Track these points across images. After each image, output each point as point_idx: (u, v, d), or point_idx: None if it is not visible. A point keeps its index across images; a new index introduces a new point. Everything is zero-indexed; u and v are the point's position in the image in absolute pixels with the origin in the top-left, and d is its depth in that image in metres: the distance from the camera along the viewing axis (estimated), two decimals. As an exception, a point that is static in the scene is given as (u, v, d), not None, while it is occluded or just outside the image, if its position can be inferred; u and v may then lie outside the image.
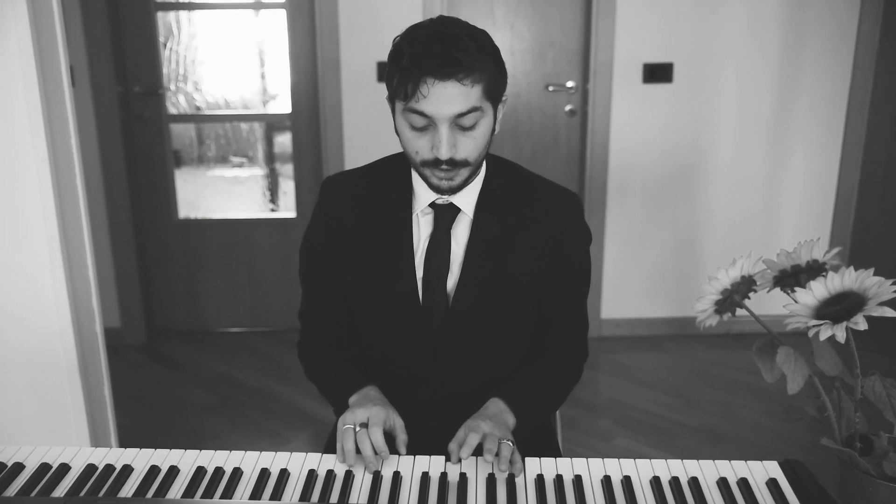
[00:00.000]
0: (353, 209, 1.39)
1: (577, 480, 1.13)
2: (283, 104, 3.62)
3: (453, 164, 1.24)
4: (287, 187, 3.73)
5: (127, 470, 1.16)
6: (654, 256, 3.64)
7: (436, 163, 1.24)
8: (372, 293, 1.38)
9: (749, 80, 3.42)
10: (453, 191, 1.29)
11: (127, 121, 3.49)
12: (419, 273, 1.36)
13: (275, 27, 3.51)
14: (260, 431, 2.88)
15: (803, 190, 3.58)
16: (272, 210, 3.77)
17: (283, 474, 1.14)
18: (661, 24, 3.35)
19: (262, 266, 3.74)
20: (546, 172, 3.48)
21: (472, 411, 1.29)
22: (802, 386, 0.99)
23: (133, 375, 3.34)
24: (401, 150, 1.42)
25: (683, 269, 3.65)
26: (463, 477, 1.13)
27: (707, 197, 3.57)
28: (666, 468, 1.16)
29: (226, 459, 1.18)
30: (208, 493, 1.10)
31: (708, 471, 1.16)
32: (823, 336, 0.94)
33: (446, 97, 1.18)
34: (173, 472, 1.15)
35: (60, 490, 1.11)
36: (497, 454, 1.15)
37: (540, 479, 1.13)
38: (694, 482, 1.12)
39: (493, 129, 1.29)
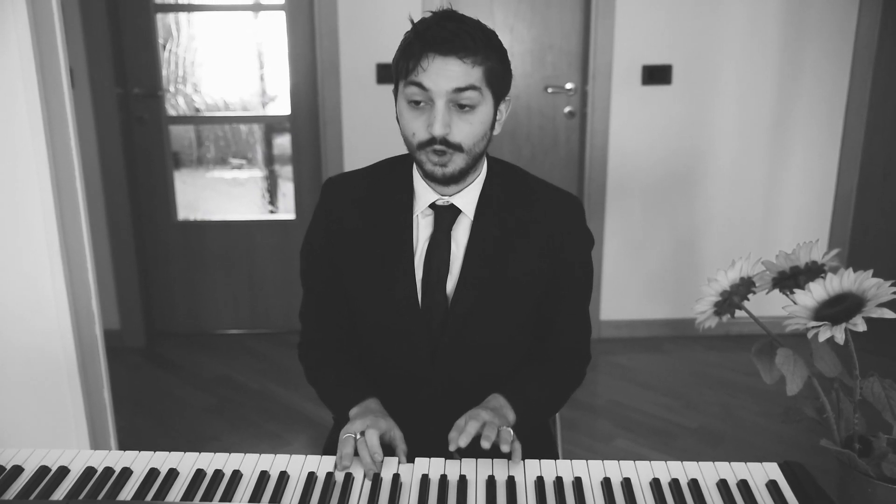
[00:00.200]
0: (354, 210, 1.39)
1: (577, 482, 1.13)
2: (282, 106, 3.62)
3: (447, 144, 1.23)
4: (286, 189, 3.73)
5: (126, 472, 1.16)
6: (654, 258, 3.64)
7: (430, 142, 1.24)
8: (371, 294, 1.38)
9: (748, 81, 3.43)
10: (447, 179, 1.28)
11: (126, 122, 3.49)
12: (419, 274, 1.36)
13: (274, 29, 3.51)
14: (260, 433, 2.88)
15: (802, 191, 3.58)
16: (271, 212, 3.77)
17: (283, 477, 1.14)
18: (661, 26, 3.36)
19: (262, 268, 3.74)
20: (545, 174, 3.48)
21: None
22: (801, 387, 0.99)
23: (132, 377, 3.34)
24: (401, 152, 1.43)
25: (683, 271, 3.66)
26: (463, 479, 1.13)
27: (706, 198, 3.57)
28: (666, 470, 1.16)
29: (225, 462, 1.18)
30: (208, 496, 1.10)
31: (708, 472, 1.16)
32: (822, 337, 0.94)
33: (445, 72, 1.20)
34: (172, 474, 1.15)
35: (59, 493, 1.11)
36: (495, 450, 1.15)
37: (540, 481, 1.13)
38: (694, 484, 1.13)
39: (493, 125, 1.30)
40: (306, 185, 3.66)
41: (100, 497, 1.10)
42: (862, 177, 3.62)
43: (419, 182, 1.35)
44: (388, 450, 1.21)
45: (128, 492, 1.12)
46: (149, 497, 1.10)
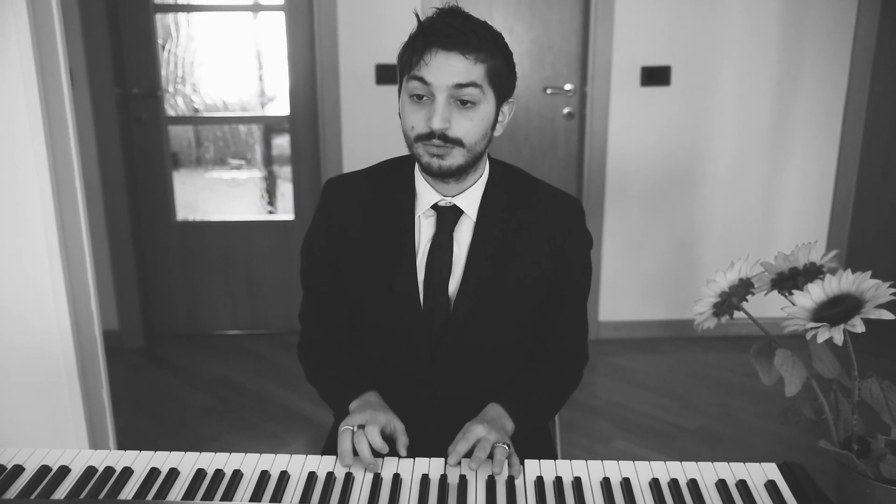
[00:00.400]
0: (355, 211, 1.39)
1: (577, 482, 1.13)
2: (281, 106, 3.62)
3: (445, 138, 1.23)
4: (285, 189, 3.73)
5: (127, 472, 1.16)
6: (652, 259, 3.65)
7: (429, 136, 1.24)
8: (373, 295, 1.38)
9: (747, 82, 3.43)
10: (443, 173, 1.27)
11: (125, 123, 3.49)
12: (420, 275, 1.36)
13: (273, 30, 3.51)
14: (259, 434, 2.88)
15: (801, 192, 3.59)
16: (270, 212, 3.78)
17: (284, 476, 1.14)
18: (659, 28, 3.36)
19: (261, 268, 3.74)
20: (544, 175, 3.48)
21: (472, 413, 1.30)
22: (800, 388, 0.99)
23: (131, 378, 3.34)
24: (400, 153, 1.43)
25: (681, 272, 3.66)
26: (463, 479, 1.14)
27: (705, 199, 3.58)
28: (665, 470, 1.17)
29: (226, 462, 1.19)
30: (208, 496, 1.11)
31: (707, 473, 1.16)
32: (821, 338, 0.94)
33: (447, 67, 1.20)
34: (173, 474, 1.15)
35: (61, 492, 1.12)
36: (492, 458, 1.15)
37: (539, 482, 1.14)
38: (693, 484, 1.13)
39: (494, 125, 1.30)
40: (305, 185, 3.66)
41: (101, 497, 1.10)
42: (860, 178, 3.63)
43: (421, 182, 1.35)
44: (390, 442, 1.21)
45: (129, 491, 1.12)
46: (149, 497, 1.10)
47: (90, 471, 1.16)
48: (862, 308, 0.95)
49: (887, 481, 1.00)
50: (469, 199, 1.35)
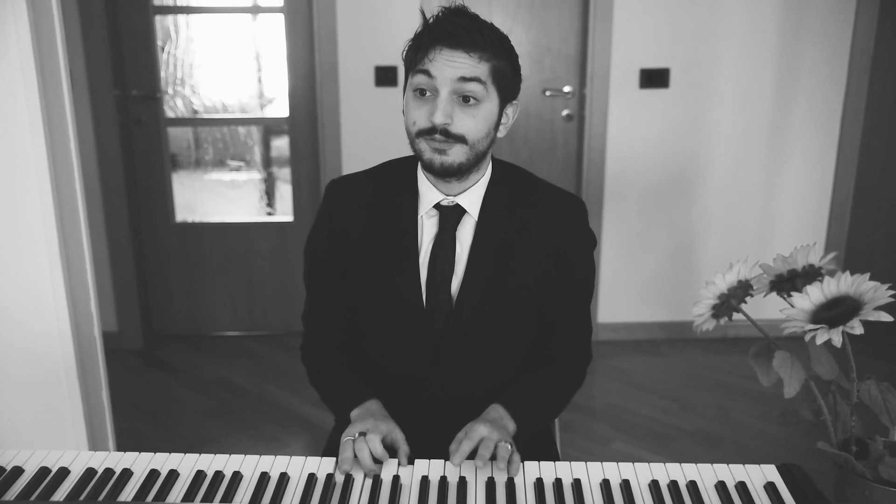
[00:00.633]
0: (358, 211, 1.39)
1: (577, 484, 1.13)
2: (280, 108, 3.62)
3: (447, 134, 1.24)
4: (284, 191, 3.73)
5: (126, 474, 1.16)
6: (651, 261, 3.65)
7: (431, 130, 1.24)
8: (375, 295, 1.38)
9: (745, 85, 3.44)
10: (444, 169, 1.27)
11: (125, 124, 3.49)
12: (423, 275, 1.36)
13: (273, 31, 3.51)
14: (258, 436, 2.88)
15: (799, 195, 3.59)
16: (269, 214, 3.78)
17: (283, 478, 1.14)
18: (658, 30, 3.37)
19: (260, 270, 3.74)
20: (543, 177, 3.46)
21: (473, 415, 1.30)
22: (799, 390, 0.99)
23: (130, 380, 3.33)
24: (400, 154, 1.44)
25: (680, 274, 3.66)
26: (462, 480, 1.14)
27: (704, 202, 3.58)
28: (664, 472, 1.17)
29: (225, 463, 1.19)
30: (208, 497, 1.11)
31: (706, 475, 1.17)
32: (820, 340, 0.94)
33: (452, 62, 1.21)
34: (173, 475, 1.16)
35: (60, 494, 1.12)
36: (493, 457, 1.16)
37: (539, 483, 1.14)
38: (692, 486, 1.13)
39: (497, 125, 1.30)
40: (304, 187, 3.66)
41: (100, 498, 1.10)
42: (859, 180, 3.63)
43: (424, 182, 1.35)
44: (391, 451, 1.22)
45: (128, 493, 1.12)
46: (149, 498, 1.11)
47: (90, 472, 1.16)
48: (860, 310, 0.95)
49: (886, 483, 1.00)
50: (471, 198, 1.35)
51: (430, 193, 1.35)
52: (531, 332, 1.44)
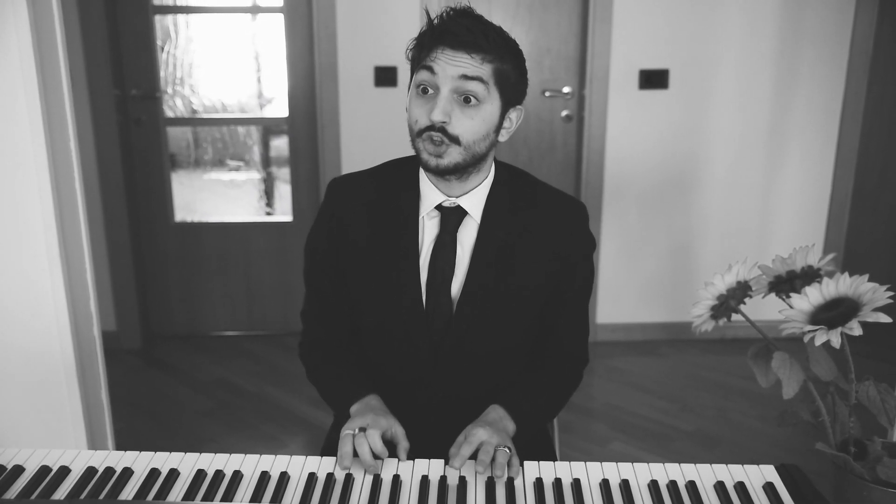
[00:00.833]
0: (359, 210, 1.39)
1: (576, 484, 1.14)
2: (279, 108, 3.62)
3: (445, 133, 1.24)
4: (283, 191, 3.74)
5: (127, 473, 1.16)
6: (650, 262, 3.65)
7: (429, 128, 1.24)
8: (375, 295, 1.38)
9: (744, 86, 3.44)
10: (441, 170, 1.27)
11: (124, 124, 3.49)
12: (423, 276, 1.36)
13: (272, 31, 3.52)
14: (256, 436, 2.88)
15: (798, 196, 3.60)
16: (268, 213, 3.78)
17: (284, 477, 1.15)
18: (658, 31, 3.37)
19: (259, 270, 3.75)
20: (542, 177, 3.46)
21: (472, 415, 1.30)
22: (797, 391, 0.99)
23: (129, 379, 3.33)
24: (399, 155, 1.44)
25: (679, 275, 3.67)
26: (462, 480, 1.14)
27: (702, 202, 3.59)
28: (663, 472, 1.17)
29: (226, 462, 1.19)
30: (209, 496, 1.11)
31: (705, 475, 1.17)
32: (818, 341, 0.94)
33: (454, 61, 1.22)
34: (173, 474, 1.16)
35: (61, 493, 1.12)
36: (493, 461, 1.16)
37: (539, 483, 1.14)
38: (691, 486, 1.13)
39: (498, 129, 1.30)
40: (303, 187, 3.66)
41: (101, 497, 1.11)
42: (857, 181, 3.64)
43: (426, 183, 1.36)
44: (391, 446, 1.22)
45: (129, 492, 1.12)
46: (150, 497, 1.11)
47: (90, 471, 1.16)
48: (859, 311, 0.95)
49: (884, 483, 1.00)
50: (473, 200, 1.35)
51: (431, 194, 1.35)
52: (531, 334, 1.44)
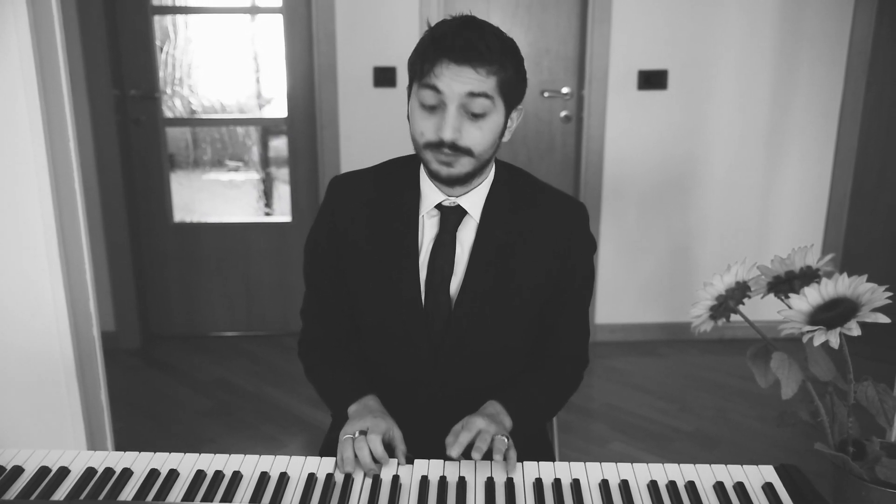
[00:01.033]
0: (360, 209, 1.39)
1: (576, 484, 1.14)
2: (278, 108, 3.62)
3: (455, 148, 1.24)
4: (282, 191, 3.74)
5: (126, 473, 1.16)
6: (649, 262, 3.66)
7: (439, 145, 1.24)
8: (375, 293, 1.38)
9: (743, 87, 3.45)
10: (451, 180, 1.28)
11: (123, 124, 3.49)
12: (422, 275, 1.36)
13: (271, 32, 3.52)
14: (256, 436, 2.88)
15: (797, 196, 3.60)
16: (267, 214, 3.78)
17: (283, 478, 1.15)
18: (657, 32, 3.38)
19: (258, 270, 3.75)
20: (541, 178, 3.48)
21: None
22: (796, 391, 1.00)
23: (128, 379, 3.33)
24: (399, 154, 1.44)
25: (678, 275, 3.67)
26: (462, 480, 1.14)
27: (701, 203, 3.59)
28: (663, 472, 1.17)
29: (225, 463, 1.19)
30: (208, 497, 1.11)
31: (704, 475, 1.17)
32: (817, 342, 0.95)
33: (459, 78, 1.21)
34: (173, 475, 1.16)
35: (60, 493, 1.12)
36: (490, 450, 1.16)
37: (538, 483, 1.14)
38: (691, 486, 1.14)
39: (503, 132, 1.31)
40: (302, 187, 3.66)
41: (100, 497, 1.11)
42: (856, 182, 3.64)
43: (426, 182, 1.36)
44: (388, 449, 1.22)
45: (128, 492, 1.12)
46: (149, 497, 1.11)
47: (90, 472, 1.16)
48: (858, 311, 0.95)
49: (883, 484, 1.00)
50: (473, 199, 1.35)
51: (432, 193, 1.35)
52: (531, 334, 1.44)
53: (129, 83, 3.49)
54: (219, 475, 1.16)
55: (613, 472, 1.17)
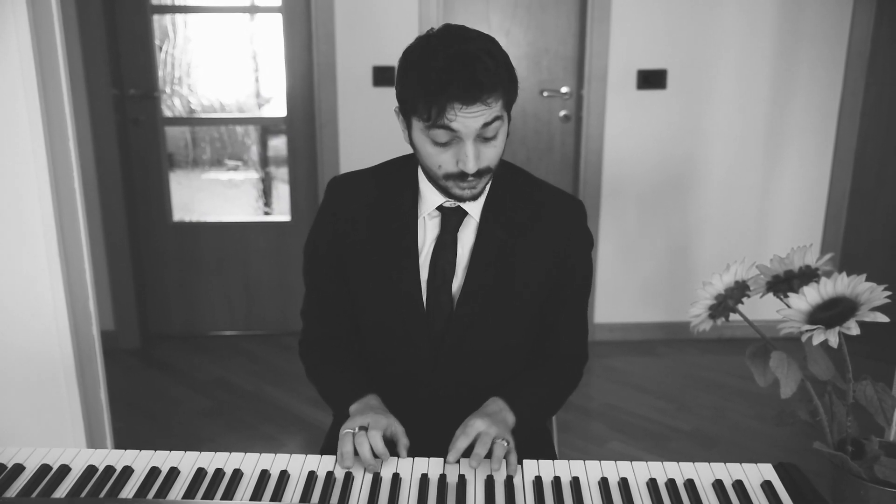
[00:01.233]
0: (359, 210, 1.39)
1: (575, 482, 1.14)
2: (278, 108, 3.62)
3: (478, 174, 1.25)
4: (282, 191, 3.74)
5: (127, 471, 1.16)
6: (648, 262, 3.66)
7: (461, 176, 1.25)
8: (375, 294, 1.39)
9: (742, 87, 3.45)
10: (475, 198, 1.30)
11: (122, 124, 3.49)
12: (423, 275, 1.37)
13: (271, 31, 3.52)
14: (255, 435, 2.88)
15: (796, 196, 3.61)
16: (266, 213, 3.78)
17: (283, 476, 1.15)
18: (656, 31, 3.38)
19: (257, 269, 3.75)
20: (540, 177, 3.49)
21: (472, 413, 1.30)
22: (795, 390, 1.00)
23: (128, 379, 3.33)
24: (398, 154, 1.44)
25: (677, 275, 3.67)
26: (462, 479, 1.14)
27: (700, 202, 3.59)
28: (662, 470, 1.18)
29: (226, 461, 1.19)
30: (209, 495, 1.11)
31: (703, 473, 1.17)
32: (816, 341, 0.95)
33: (473, 116, 1.19)
34: (174, 473, 1.16)
35: (61, 491, 1.12)
36: (490, 455, 1.16)
37: (538, 481, 1.14)
38: (690, 484, 1.14)
39: (507, 133, 1.31)
40: (302, 187, 3.66)
41: (101, 496, 1.11)
42: (855, 182, 3.65)
43: (425, 184, 1.36)
44: (390, 444, 1.22)
45: (129, 490, 1.12)
46: (150, 495, 1.11)
47: (90, 470, 1.16)
48: (857, 311, 0.96)
49: (881, 483, 1.01)
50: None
51: (431, 195, 1.35)
52: (531, 332, 1.44)
53: (129, 82, 3.49)
54: (219, 473, 1.16)
55: (613, 470, 1.18)
